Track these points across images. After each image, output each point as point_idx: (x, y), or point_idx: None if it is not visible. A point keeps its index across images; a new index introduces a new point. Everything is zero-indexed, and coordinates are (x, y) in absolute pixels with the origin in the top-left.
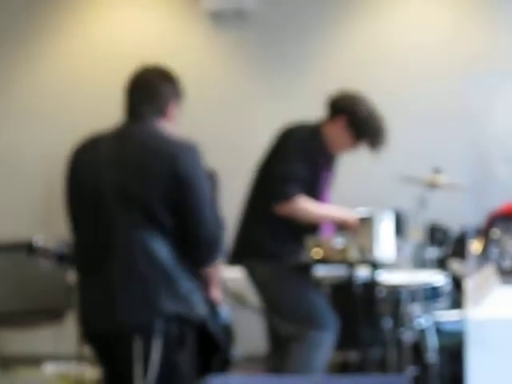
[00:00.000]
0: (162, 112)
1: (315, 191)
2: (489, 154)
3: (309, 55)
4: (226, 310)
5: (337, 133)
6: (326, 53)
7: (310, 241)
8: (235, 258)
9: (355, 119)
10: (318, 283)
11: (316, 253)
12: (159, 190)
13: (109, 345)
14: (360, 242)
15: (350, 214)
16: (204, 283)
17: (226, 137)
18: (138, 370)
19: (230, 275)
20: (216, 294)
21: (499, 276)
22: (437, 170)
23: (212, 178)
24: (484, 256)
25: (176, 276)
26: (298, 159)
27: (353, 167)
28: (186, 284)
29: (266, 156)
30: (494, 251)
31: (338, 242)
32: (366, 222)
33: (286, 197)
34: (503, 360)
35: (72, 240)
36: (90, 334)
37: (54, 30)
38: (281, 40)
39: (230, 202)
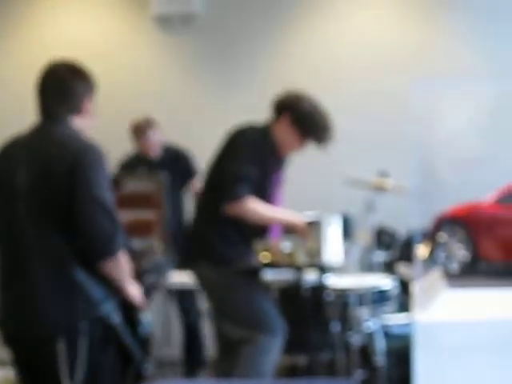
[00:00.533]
0: (76, 109)
1: (265, 193)
2: (435, 157)
3: (255, 56)
4: (147, 317)
5: (284, 132)
6: (273, 52)
7: (258, 244)
8: (184, 262)
9: (299, 115)
10: (266, 287)
11: (264, 256)
12: (61, 191)
13: (31, 348)
14: (308, 245)
15: (298, 217)
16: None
17: (176, 135)
18: (63, 371)
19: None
20: (133, 293)
21: (446, 279)
22: (383, 174)
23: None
24: (431, 260)
25: (87, 285)
26: (248, 160)
27: (301, 171)
28: (97, 293)
29: (215, 157)
30: (441, 255)
31: (286, 245)
32: (314, 226)
33: (236, 197)
34: (449, 362)
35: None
36: (12, 337)
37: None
38: (227, 42)
39: None
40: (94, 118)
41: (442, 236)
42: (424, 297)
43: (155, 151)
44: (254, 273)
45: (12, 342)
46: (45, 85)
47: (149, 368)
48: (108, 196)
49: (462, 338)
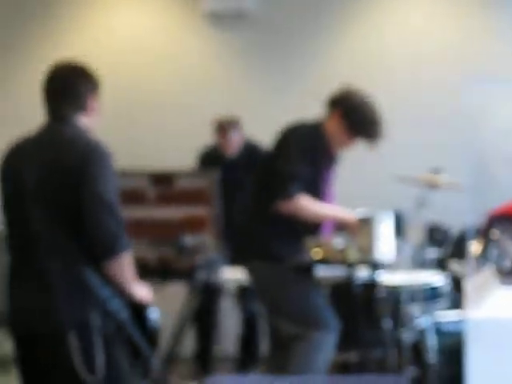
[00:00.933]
0: (82, 108)
1: (317, 190)
2: (489, 154)
3: (308, 56)
4: (155, 312)
5: (335, 128)
6: (324, 54)
7: (310, 241)
8: (238, 258)
9: (348, 110)
10: (318, 284)
11: (316, 253)
12: (69, 188)
13: (44, 344)
14: (360, 242)
15: (350, 215)
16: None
17: None
18: (79, 365)
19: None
20: (139, 292)
21: (499, 277)
22: (436, 171)
23: None
24: (483, 257)
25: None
26: (300, 158)
27: (353, 168)
28: (104, 290)
29: (268, 154)
30: (494, 252)
31: (338, 242)
32: (366, 223)
33: (289, 195)
34: (502, 359)
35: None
36: (24, 335)
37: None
38: (279, 41)
39: None
40: (100, 115)
41: (495, 233)
42: (477, 294)
43: (233, 150)
44: (306, 269)
45: (23, 340)
46: (50, 85)
47: (157, 363)
48: (114, 195)
49: None
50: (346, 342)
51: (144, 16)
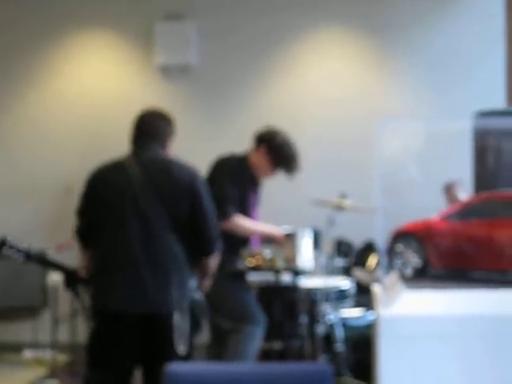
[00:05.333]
0: (163, 146)
1: (245, 210)
2: (395, 182)
3: (243, 104)
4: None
5: (260, 160)
6: (257, 103)
7: (244, 252)
8: None
9: (273, 147)
10: (249, 287)
11: (250, 262)
12: (181, 205)
13: (149, 322)
14: (285, 253)
15: (277, 230)
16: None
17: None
18: (177, 337)
19: None
20: (207, 282)
21: (403, 282)
22: (343, 195)
23: None
24: (388, 266)
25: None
26: (230, 184)
27: (278, 192)
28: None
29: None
30: (398, 262)
31: (267, 253)
32: (291, 237)
33: (226, 216)
34: (408, 349)
35: (100, 243)
36: (126, 315)
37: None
38: (217, 88)
39: None
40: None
41: (399, 246)
42: (385, 296)
43: None
44: (240, 275)
45: (128, 320)
46: (139, 128)
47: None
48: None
49: (416, 329)
50: (272, 333)
51: (108, 68)
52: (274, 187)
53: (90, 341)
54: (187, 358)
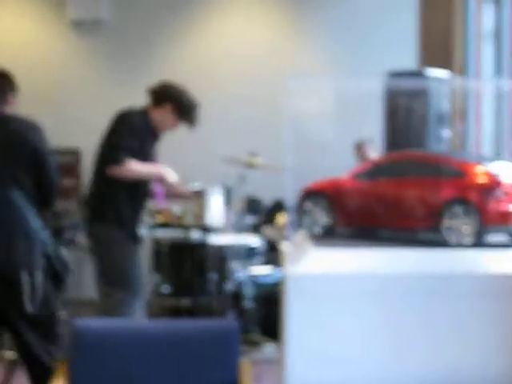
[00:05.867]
0: (4, 102)
1: (142, 161)
2: (304, 141)
3: (154, 58)
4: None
5: (163, 116)
6: (167, 56)
7: (152, 208)
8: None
9: (180, 107)
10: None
11: (158, 218)
12: (20, 158)
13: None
14: (195, 210)
15: (167, 169)
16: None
17: (87, 120)
18: (26, 297)
19: None
20: None
21: (311, 241)
22: (253, 153)
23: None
24: (297, 224)
25: (30, 219)
26: (128, 134)
27: (188, 149)
28: (36, 223)
29: (104, 134)
30: (307, 220)
31: (177, 209)
32: (200, 194)
33: (118, 161)
34: (316, 306)
35: None
36: None
37: None
38: (129, 45)
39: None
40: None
41: (308, 205)
42: (294, 254)
43: None
44: (134, 240)
45: None
46: None
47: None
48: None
49: (324, 288)
50: (181, 290)
51: (23, 23)
52: (185, 144)
53: None
54: (46, 317)
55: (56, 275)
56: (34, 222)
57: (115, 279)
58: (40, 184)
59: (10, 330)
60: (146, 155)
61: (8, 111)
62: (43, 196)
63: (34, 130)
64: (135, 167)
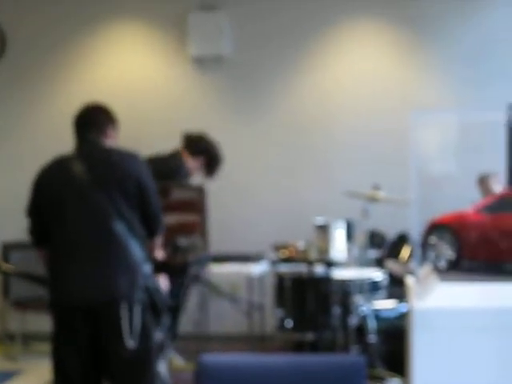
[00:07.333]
0: (103, 135)
1: None
2: (429, 175)
3: (273, 94)
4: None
5: (195, 165)
6: (289, 92)
7: (276, 244)
8: None
9: (211, 158)
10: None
11: (283, 253)
12: (124, 193)
13: (95, 313)
14: (319, 244)
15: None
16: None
17: None
18: (125, 330)
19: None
20: (159, 253)
21: (436, 274)
22: (376, 187)
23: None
24: (421, 258)
25: (132, 251)
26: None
27: (312, 184)
28: (139, 256)
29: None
30: (431, 254)
31: (301, 244)
32: (324, 229)
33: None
34: (442, 341)
35: (55, 235)
36: (75, 306)
37: (62, 74)
38: (252, 80)
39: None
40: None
41: (433, 239)
42: (419, 288)
43: None
44: None
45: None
46: (80, 120)
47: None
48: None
49: (450, 323)
50: (304, 324)
51: (142, 59)
52: (307, 180)
53: (51, 343)
54: (145, 354)
55: (155, 309)
56: (137, 254)
57: None
58: (144, 215)
59: (109, 374)
60: None
61: (109, 144)
62: (148, 227)
63: (136, 161)
64: None
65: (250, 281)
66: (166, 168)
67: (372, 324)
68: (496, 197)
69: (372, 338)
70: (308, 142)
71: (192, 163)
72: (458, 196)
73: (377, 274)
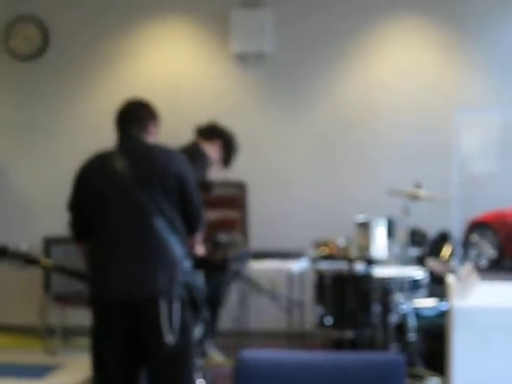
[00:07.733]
0: (145, 131)
1: None
2: (470, 173)
3: (315, 91)
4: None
5: (214, 151)
6: (331, 89)
7: (317, 241)
8: None
9: (227, 142)
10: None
11: (323, 250)
12: (165, 190)
13: (135, 309)
14: (360, 242)
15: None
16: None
17: (253, 152)
18: (165, 326)
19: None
20: (200, 249)
21: (477, 273)
22: (418, 185)
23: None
24: (462, 256)
25: (173, 248)
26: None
27: (353, 181)
28: (179, 252)
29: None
30: (473, 253)
31: (341, 242)
32: (365, 226)
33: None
34: (482, 341)
35: (96, 230)
36: (115, 301)
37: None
38: (293, 78)
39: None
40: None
41: (474, 237)
42: (460, 287)
43: None
44: None
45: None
46: (123, 116)
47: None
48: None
49: (491, 321)
50: (344, 322)
51: (187, 56)
52: (349, 177)
53: (91, 338)
54: (184, 349)
55: (194, 305)
56: (177, 250)
57: None
58: (185, 212)
59: (147, 368)
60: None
61: (150, 140)
62: (188, 224)
63: (177, 158)
64: None
65: (290, 277)
66: (188, 155)
67: (412, 322)
68: None
69: (412, 337)
70: (350, 139)
71: (210, 148)
72: (500, 194)
73: (417, 273)
